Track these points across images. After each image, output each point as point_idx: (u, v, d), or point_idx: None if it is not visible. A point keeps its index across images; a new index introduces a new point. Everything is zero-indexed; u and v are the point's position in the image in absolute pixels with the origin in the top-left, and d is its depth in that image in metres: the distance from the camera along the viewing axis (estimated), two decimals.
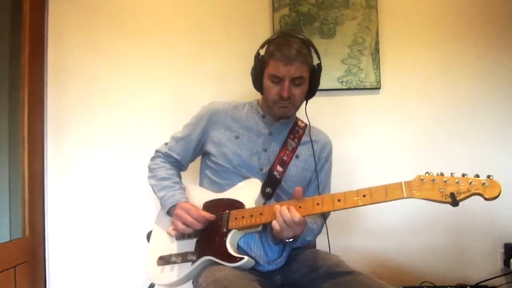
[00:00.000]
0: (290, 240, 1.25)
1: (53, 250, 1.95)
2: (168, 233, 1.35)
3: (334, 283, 1.20)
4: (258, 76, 1.43)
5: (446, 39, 2.03)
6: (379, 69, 1.99)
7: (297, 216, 1.17)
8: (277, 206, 1.21)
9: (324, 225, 1.45)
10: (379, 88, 2.00)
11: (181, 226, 1.31)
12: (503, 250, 1.96)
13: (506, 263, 1.94)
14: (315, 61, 1.43)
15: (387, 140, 2.00)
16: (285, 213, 1.18)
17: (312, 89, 1.45)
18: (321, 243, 1.58)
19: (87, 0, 2.00)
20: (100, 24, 2.00)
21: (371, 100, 2.01)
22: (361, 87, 1.99)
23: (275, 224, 1.19)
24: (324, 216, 1.47)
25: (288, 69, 1.33)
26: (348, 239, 1.98)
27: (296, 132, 1.48)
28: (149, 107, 2.00)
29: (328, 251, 1.42)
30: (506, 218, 1.97)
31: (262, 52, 1.42)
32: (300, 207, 1.21)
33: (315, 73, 1.42)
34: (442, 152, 1.99)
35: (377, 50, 1.98)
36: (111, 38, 2.00)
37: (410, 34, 2.02)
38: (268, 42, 1.40)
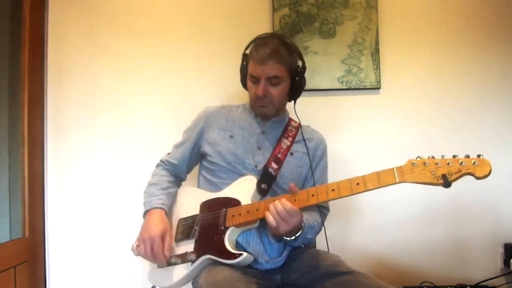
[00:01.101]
0: (292, 238, 1.25)
1: (53, 250, 1.95)
2: (132, 250, 1.36)
3: (334, 283, 1.20)
4: (244, 76, 1.49)
5: (446, 38, 2.03)
6: (379, 69, 1.99)
7: (288, 205, 1.18)
8: (271, 203, 1.21)
9: (323, 224, 1.45)
10: (379, 88, 2.00)
11: (141, 251, 1.32)
12: (503, 250, 1.96)
13: (506, 263, 1.94)
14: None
15: (387, 140, 2.00)
16: (277, 204, 1.19)
17: (296, 90, 1.47)
18: (320, 242, 1.58)
19: (87, 0, 2.00)
20: (100, 24, 2.00)
21: (371, 100, 2.01)
22: (361, 87, 1.99)
23: (270, 219, 1.19)
24: (323, 214, 1.48)
25: (263, 68, 1.37)
26: (347, 239, 1.98)
27: (289, 131, 1.51)
28: (149, 107, 2.00)
29: (327, 251, 1.42)
30: (506, 218, 1.97)
31: (248, 52, 1.47)
32: (295, 200, 1.22)
33: (297, 74, 1.44)
34: (442, 152, 1.97)
35: (377, 50, 1.98)
36: (111, 38, 2.00)
37: (410, 34, 2.02)
38: (251, 43, 1.46)
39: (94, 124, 1.99)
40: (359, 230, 1.99)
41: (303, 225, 1.28)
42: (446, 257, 1.98)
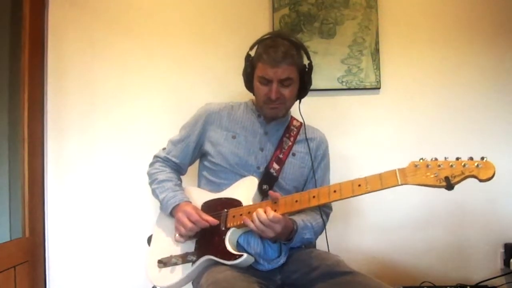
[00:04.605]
0: (285, 241, 1.27)
1: (53, 250, 1.95)
2: (177, 240, 1.34)
3: (333, 283, 1.20)
4: (249, 77, 1.46)
5: (446, 39, 2.02)
6: (379, 69, 1.99)
7: (270, 213, 1.20)
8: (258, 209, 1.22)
9: (325, 224, 1.44)
10: (379, 88, 2.00)
11: (183, 231, 1.31)
12: (503, 250, 1.96)
13: (506, 263, 1.94)
14: (306, 61, 1.45)
15: (387, 140, 2.00)
16: (260, 213, 1.20)
17: (303, 89, 1.46)
18: (320, 243, 1.58)
19: (87, 1, 2.00)
20: (100, 25, 2.00)
21: (371, 100, 2.01)
22: (361, 87, 1.99)
23: (253, 227, 1.21)
24: (325, 213, 1.47)
25: (275, 71, 1.35)
26: (347, 239, 1.98)
27: (291, 131, 1.50)
28: (149, 108, 2.00)
29: (327, 251, 1.42)
30: (506, 218, 1.97)
31: (252, 53, 1.44)
32: (296, 201, 1.23)
33: (305, 73, 1.43)
34: (442, 152, 1.96)
35: (377, 50, 1.98)
36: (111, 39, 2.00)
37: (410, 34, 2.02)
38: (257, 43, 1.43)
39: (94, 124, 1.99)
40: (359, 230, 1.99)
41: (295, 227, 1.29)
42: (446, 257, 1.98)
